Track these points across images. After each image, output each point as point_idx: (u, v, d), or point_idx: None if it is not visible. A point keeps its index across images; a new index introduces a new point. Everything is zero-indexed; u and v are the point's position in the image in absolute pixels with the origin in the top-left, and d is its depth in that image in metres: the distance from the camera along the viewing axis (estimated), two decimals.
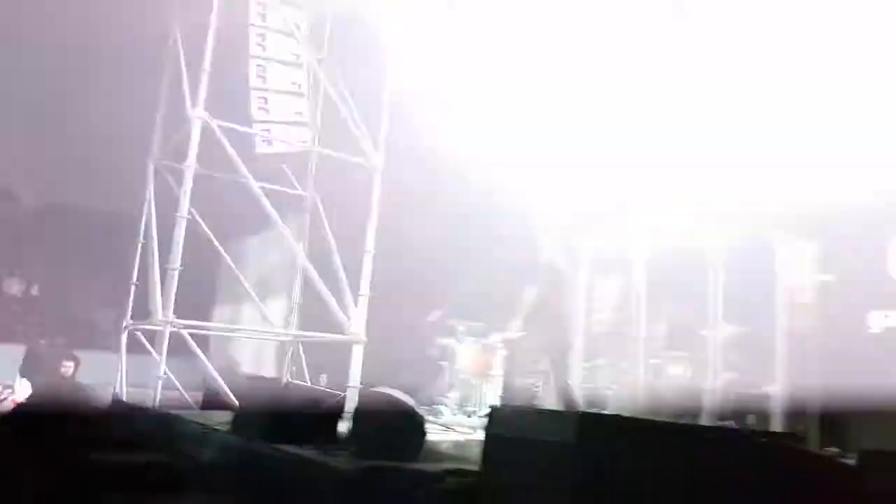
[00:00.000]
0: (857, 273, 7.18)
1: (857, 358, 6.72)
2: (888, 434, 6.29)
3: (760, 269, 6.49)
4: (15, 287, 8.26)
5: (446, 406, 7.01)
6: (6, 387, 4.14)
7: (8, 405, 4.02)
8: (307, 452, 3.72)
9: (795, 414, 6.25)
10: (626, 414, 6.15)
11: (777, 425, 6.14)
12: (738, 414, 6.32)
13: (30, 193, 8.29)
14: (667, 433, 2.42)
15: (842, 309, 7.07)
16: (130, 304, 7.53)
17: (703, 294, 6.31)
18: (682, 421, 6.13)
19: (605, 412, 6.43)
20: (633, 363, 6.72)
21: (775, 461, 2.17)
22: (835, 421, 6.38)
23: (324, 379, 8.13)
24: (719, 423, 6.04)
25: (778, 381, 6.24)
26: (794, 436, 4.39)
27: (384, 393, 4.05)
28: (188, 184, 6.33)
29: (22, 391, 4.04)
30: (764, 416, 6.29)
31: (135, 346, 7.14)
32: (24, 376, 5.13)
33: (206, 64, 6.47)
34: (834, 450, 5.61)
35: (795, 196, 7.62)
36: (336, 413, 4.28)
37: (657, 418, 6.11)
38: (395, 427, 3.67)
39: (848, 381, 6.53)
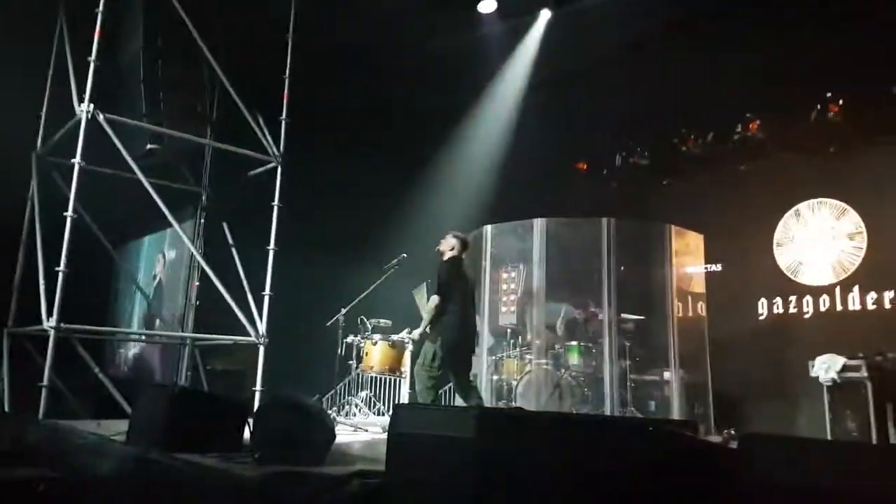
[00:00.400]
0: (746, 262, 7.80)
1: (748, 344, 7.31)
2: (776, 416, 6.89)
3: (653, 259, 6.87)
4: None
5: (357, 406, 7.03)
6: None
7: None
8: (209, 460, 3.65)
9: (693, 399, 6.70)
10: (529, 406, 6.44)
11: (676, 411, 6.54)
12: (639, 401, 6.69)
13: None
14: (563, 426, 2.56)
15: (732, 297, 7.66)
16: (13, 308, 7.06)
17: (599, 282, 6.61)
18: (585, 410, 6.44)
19: (504, 406, 6.65)
20: (535, 353, 6.95)
21: (666, 450, 2.32)
22: (730, 405, 6.92)
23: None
24: (620, 412, 6.36)
25: (674, 368, 6.63)
26: (688, 423, 4.72)
27: (290, 395, 4.02)
28: (76, 180, 5.99)
29: None
30: (664, 402, 6.69)
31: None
32: None
33: (94, 56, 6.14)
34: (730, 433, 6.11)
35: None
36: (239, 418, 4.20)
37: (557, 409, 6.41)
38: (301, 430, 3.65)
39: (740, 365, 7.10)
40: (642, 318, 6.88)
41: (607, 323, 6.68)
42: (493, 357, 7.38)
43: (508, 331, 7.39)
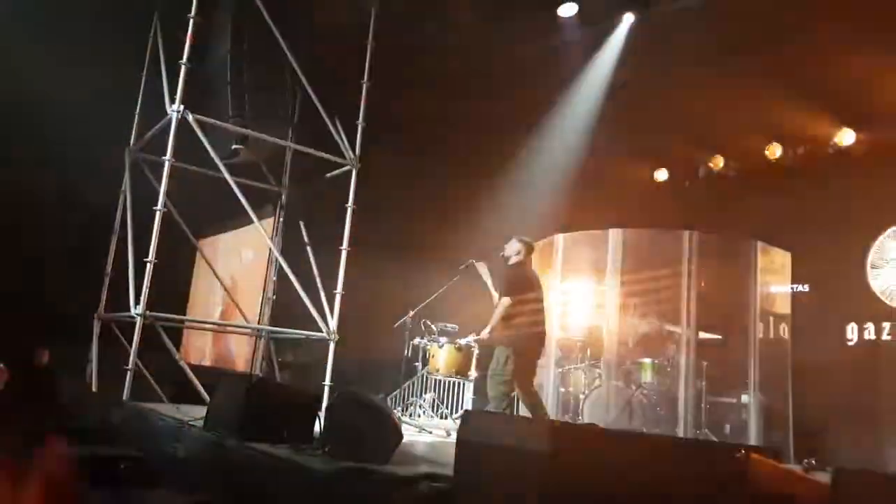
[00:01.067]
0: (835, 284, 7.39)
1: (835, 370, 6.91)
2: (863, 448, 6.47)
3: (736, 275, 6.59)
4: None
5: (421, 407, 7.05)
6: None
7: None
8: (280, 450, 3.72)
9: (772, 424, 6.37)
10: (598, 421, 6.27)
11: (754, 436, 6.24)
12: (714, 423, 6.41)
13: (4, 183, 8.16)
14: (639, 444, 2.47)
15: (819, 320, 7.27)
16: (104, 296, 7.45)
17: (677, 297, 6.38)
18: (656, 431, 6.22)
19: (579, 422, 6.50)
20: (606, 368, 6.77)
21: (746, 475, 2.21)
22: (811, 433, 6.53)
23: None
24: (694, 434, 6.12)
25: (753, 391, 6.33)
26: (768, 449, 4.46)
27: (359, 392, 4.06)
28: (166, 177, 6.27)
29: None
30: (740, 426, 6.39)
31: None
32: None
33: (185, 58, 6.41)
34: (811, 462, 5.75)
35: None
36: (311, 411, 4.28)
37: (630, 427, 6.22)
38: (370, 428, 3.68)
39: (825, 392, 6.71)
40: (721, 337, 6.60)
41: (685, 340, 6.45)
42: (561, 369, 7.24)
43: (578, 343, 7.24)
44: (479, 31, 7.98)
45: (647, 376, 6.54)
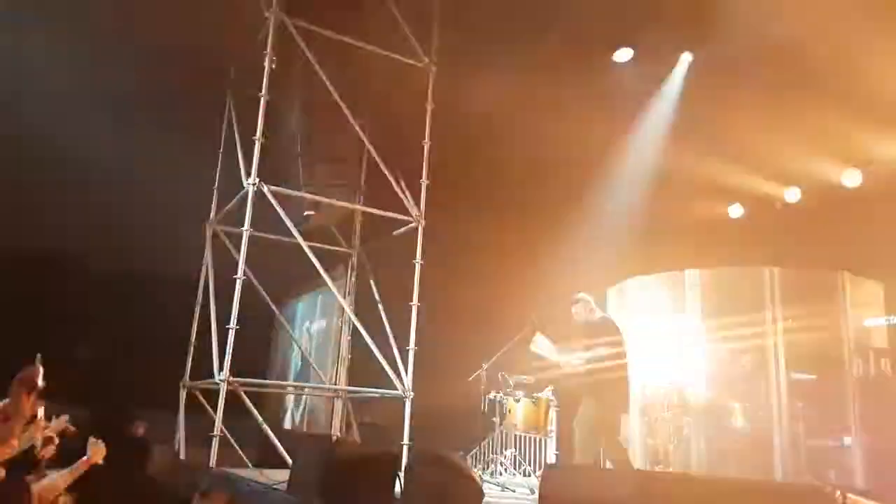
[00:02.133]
0: None
1: None
2: None
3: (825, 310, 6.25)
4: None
5: (502, 464, 6.89)
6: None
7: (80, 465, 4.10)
8: None
9: (881, 467, 5.88)
10: (688, 470, 5.97)
11: (861, 480, 5.78)
12: (816, 468, 5.97)
13: (95, 260, 8.73)
14: (735, 491, 2.33)
15: None
16: (189, 364, 7.73)
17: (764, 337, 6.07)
18: (751, 477, 5.85)
19: (666, 469, 6.20)
20: (694, 415, 6.48)
21: None
22: None
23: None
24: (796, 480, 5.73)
25: (855, 432, 5.90)
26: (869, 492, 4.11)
27: (438, 451, 4.01)
28: (244, 246, 6.53)
29: (97, 453, 4.13)
30: (846, 470, 5.94)
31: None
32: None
33: (259, 134, 6.74)
34: None
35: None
36: (390, 471, 4.25)
37: (723, 474, 5.88)
38: (451, 486, 3.62)
39: None
40: (814, 377, 6.23)
41: (775, 382, 6.12)
42: (646, 418, 6.97)
43: (662, 391, 6.96)
44: (534, 82, 8.09)
45: (738, 421, 6.21)
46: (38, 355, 4.37)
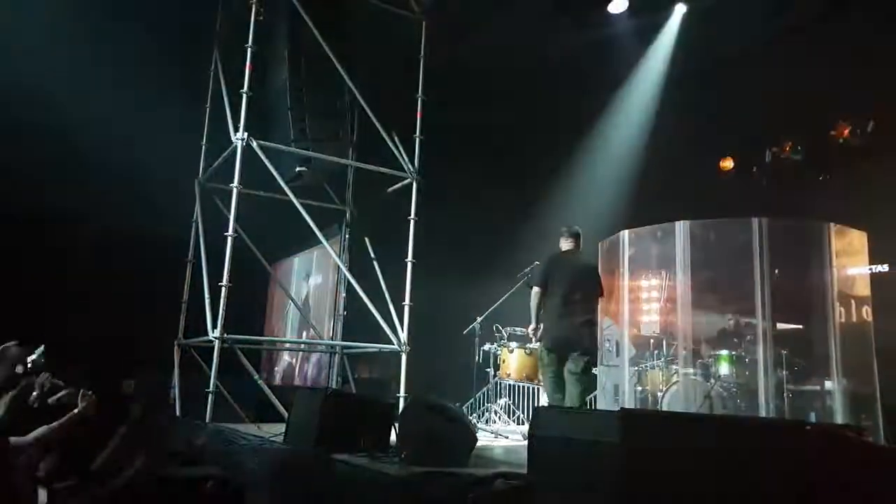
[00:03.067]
0: None
1: None
2: None
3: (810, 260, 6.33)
4: None
5: (496, 413, 7.05)
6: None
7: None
8: (359, 459, 3.81)
9: (860, 410, 6.06)
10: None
11: (839, 421, 5.96)
12: (798, 412, 6.15)
13: (85, 217, 8.71)
14: (712, 427, 2.42)
15: None
16: (183, 323, 7.79)
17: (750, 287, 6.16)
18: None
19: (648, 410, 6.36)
20: (682, 363, 6.61)
21: (829, 450, 2.12)
22: None
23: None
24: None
25: (837, 377, 6.05)
26: (852, 427, 4.21)
27: (430, 398, 4.11)
28: (234, 203, 6.53)
29: (90, 406, 4.20)
30: (826, 413, 6.11)
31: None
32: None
33: (246, 86, 6.68)
34: None
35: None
36: (386, 420, 4.36)
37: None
38: (445, 432, 3.72)
39: None
40: (801, 326, 6.34)
41: (761, 331, 6.22)
42: (636, 367, 7.11)
43: (651, 340, 7.10)
44: (529, 34, 8.01)
45: (724, 369, 6.35)
46: (42, 348, 4.38)
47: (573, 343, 5.45)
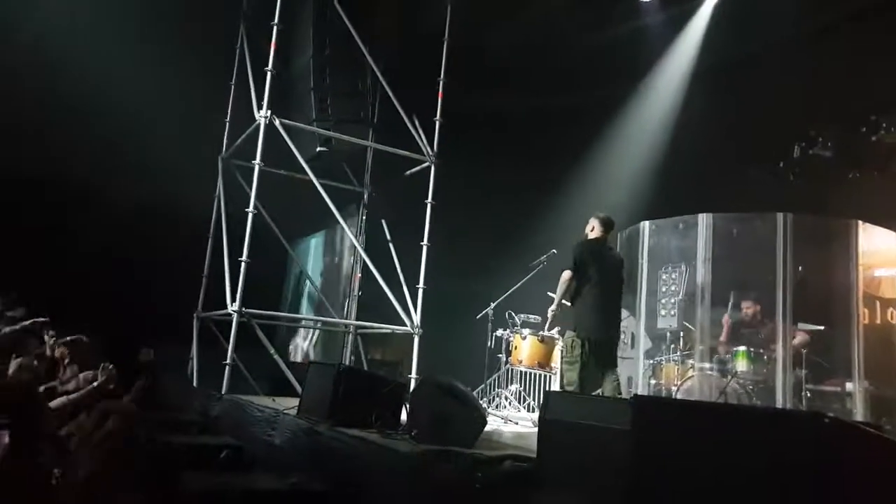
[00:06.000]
0: None
1: None
2: None
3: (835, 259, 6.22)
4: None
5: (507, 399, 7.04)
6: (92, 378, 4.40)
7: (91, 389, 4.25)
8: (369, 435, 3.83)
9: (880, 412, 5.95)
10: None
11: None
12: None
13: (110, 191, 8.82)
14: (725, 415, 2.38)
15: None
16: (202, 296, 7.87)
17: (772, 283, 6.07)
18: None
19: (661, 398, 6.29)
20: (698, 358, 6.55)
21: (840, 442, 2.07)
22: None
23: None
24: None
25: (858, 378, 5.96)
26: (869, 424, 4.13)
27: (441, 378, 4.11)
28: (255, 180, 6.56)
29: (109, 377, 4.27)
30: (845, 414, 6.02)
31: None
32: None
33: (270, 65, 6.68)
34: None
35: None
36: (397, 398, 4.37)
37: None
38: (454, 413, 3.73)
39: None
40: (822, 328, 6.23)
41: (780, 328, 6.14)
42: (651, 361, 7.06)
43: (668, 333, 7.02)
44: (556, 20, 7.92)
45: (742, 365, 6.27)
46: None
47: (611, 338, 5.31)
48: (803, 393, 6.02)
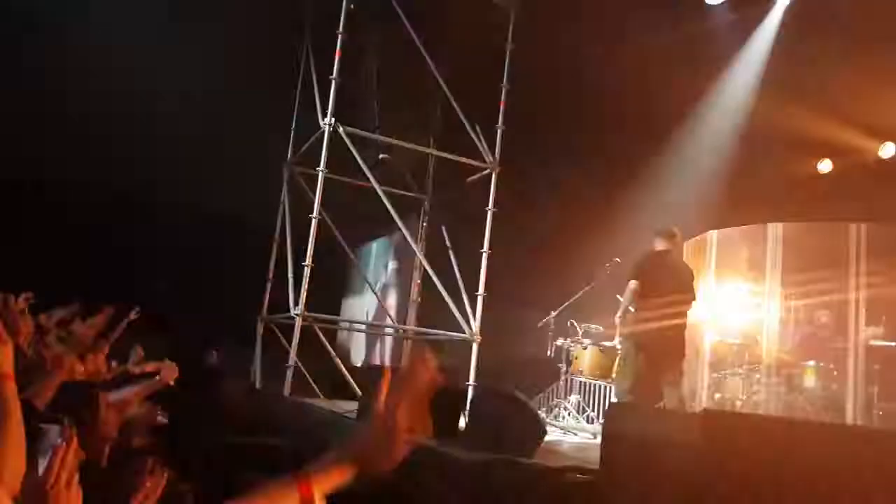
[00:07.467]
0: None
1: None
2: None
3: None
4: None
5: (566, 409, 6.96)
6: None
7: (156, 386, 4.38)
8: (429, 442, 3.84)
9: None
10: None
11: None
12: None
13: (179, 196, 9.15)
14: (805, 432, 2.30)
15: None
16: (266, 300, 8.08)
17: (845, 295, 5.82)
18: None
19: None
20: (765, 372, 6.33)
21: None
22: None
23: None
24: None
25: None
26: None
27: (500, 386, 4.10)
28: (320, 187, 6.70)
29: (169, 373, 4.40)
30: None
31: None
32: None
33: (335, 74, 6.82)
34: None
35: None
36: (456, 405, 4.38)
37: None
38: (515, 422, 3.71)
39: None
40: (893, 344, 5.93)
41: (852, 343, 5.89)
42: (716, 374, 6.87)
43: (734, 347, 6.82)
44: (621, 24, 7.80)
45: (810, 381, 6.03)
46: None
47: (672, 351, 5.21)
48: (875, 411, 5.75)
